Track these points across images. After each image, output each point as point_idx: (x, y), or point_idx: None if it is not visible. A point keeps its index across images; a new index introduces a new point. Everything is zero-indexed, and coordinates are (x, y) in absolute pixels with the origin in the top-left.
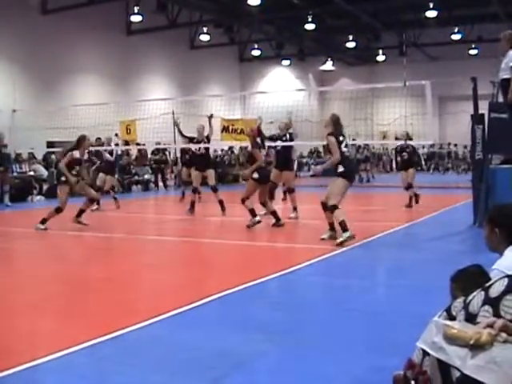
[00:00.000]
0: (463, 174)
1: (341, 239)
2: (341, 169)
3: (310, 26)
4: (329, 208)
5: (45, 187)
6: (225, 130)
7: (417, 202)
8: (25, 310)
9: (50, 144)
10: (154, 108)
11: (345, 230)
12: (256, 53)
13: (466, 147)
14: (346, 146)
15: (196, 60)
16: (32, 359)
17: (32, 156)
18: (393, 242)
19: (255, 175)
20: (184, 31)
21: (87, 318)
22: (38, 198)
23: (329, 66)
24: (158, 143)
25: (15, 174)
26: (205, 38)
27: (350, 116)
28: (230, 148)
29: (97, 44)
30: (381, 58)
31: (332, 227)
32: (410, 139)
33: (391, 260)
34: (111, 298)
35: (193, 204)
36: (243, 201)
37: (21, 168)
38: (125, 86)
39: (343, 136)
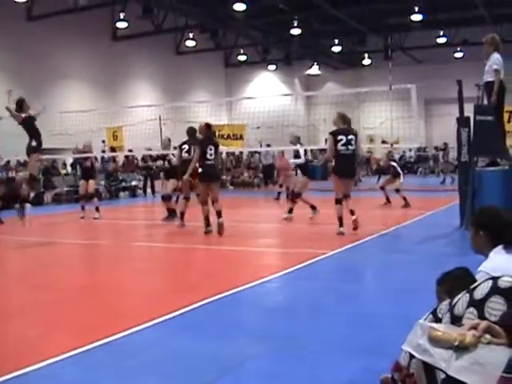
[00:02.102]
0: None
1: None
2: (333, 164)
3: (295, 31)
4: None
5: (32, 194)
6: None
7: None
8: (12, 317)
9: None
10: (141, 114)
11: (340, 224)
12: (242, 58)
13: (441, 149)
14: (346, 144)
15: (182, 65)
16: (20, 367)
17: (19, 163)
18: (380, 244)
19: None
20: (170, 37)
21: (76, 325)
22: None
23: (315, 70)
24: (149, 149)
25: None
26: (190, 43)
27: None
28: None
29: (83, 50)
30: (367, 61)
31: (340, 222)
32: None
33: (379, 263)
34: (100, 305)
35: (173, 211)
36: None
37: (8, 175)
38: (111, 91)
39: (344, 135)
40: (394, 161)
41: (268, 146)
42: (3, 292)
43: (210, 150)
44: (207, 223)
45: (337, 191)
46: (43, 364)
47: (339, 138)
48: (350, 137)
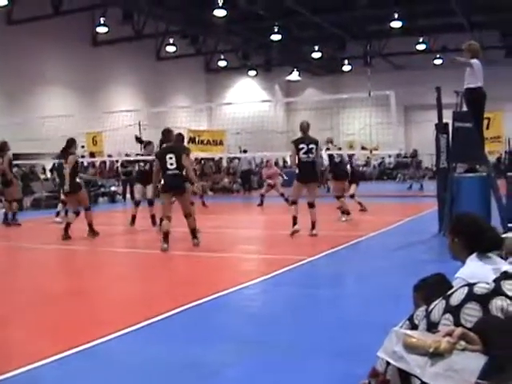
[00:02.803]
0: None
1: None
2: (297, 171)
3: (276, 37)
4: (290, 203)
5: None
6: (191, 141)
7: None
8: None
9: (16, 156)
10: (121, 119)
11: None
12: (222, 63)
13: (411, 156)
14: (307, 152)
15: (162, 71)
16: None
17: None
18: (358, 251)
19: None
20: (150, 42)
21: (56, 331)
22: (3, 211)
23: (295, 76)
24: (128, 155)
25: None
26: (171, 48)
27: (316, 126)
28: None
29: (63, 55)
30: (346, 67)
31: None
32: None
33: (356, 269)
34: (79, 311)
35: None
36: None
37: None
38: (91, 97)
39: (305, 144)
40: (352, 166)
41: (245, 151)
42: None
43: (170, 158)
44: (165, 240)
45: (295, 195)
46: (22, 370)
47: (300, 146)
48: (310, 146)
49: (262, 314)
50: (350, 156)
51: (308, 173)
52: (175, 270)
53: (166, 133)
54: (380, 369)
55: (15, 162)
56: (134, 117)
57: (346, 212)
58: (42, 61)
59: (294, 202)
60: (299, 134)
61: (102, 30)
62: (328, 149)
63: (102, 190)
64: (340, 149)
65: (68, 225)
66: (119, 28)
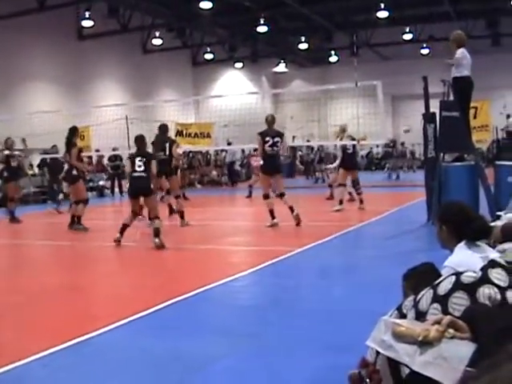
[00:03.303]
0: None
1: (268, 224)
2: (262, 163)
3: (262, 29)
4: (263, 198)
5: None
6: (179, 133)
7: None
8: None
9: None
10: (108, 114)
11: (272, 217)
12: (209, 56)
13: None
14: (272, 145)
15: (149, 64)
16: None
17: None
18: (347, 241)
19: None
20: (136, 35)
21: (42, 328)
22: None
23: (282, 67)
24: (115, 149)
25: None
26: (157, 42)
27: (304, 117)
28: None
29: (48, 50)
30: (333, 58)
31: (272, 214)
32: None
33: (346, 259)
34: (68, 306)
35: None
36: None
37: None
38: (78, 91)
39: (271, 137)
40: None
41: (229, 144)
42: None
43: (140, 161)
44: (122, 232)
45: (265, 188)
46: (10, 367)
47: (267, 139)
48: (276, 139)
49: (250, 306)
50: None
51: (273, 165)
52: (164, 264)
53: (138, 139)
54: (370, 359)
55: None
56: (122, 111)
57: (341, 201)
58: (28, 56)
59: (267, 196)
60: (287, 126)
61: (87, 23)
62: (341, 139)
63: (91, 184)
64: (354, 139)
65: (79, 218)
66: (105, 22)
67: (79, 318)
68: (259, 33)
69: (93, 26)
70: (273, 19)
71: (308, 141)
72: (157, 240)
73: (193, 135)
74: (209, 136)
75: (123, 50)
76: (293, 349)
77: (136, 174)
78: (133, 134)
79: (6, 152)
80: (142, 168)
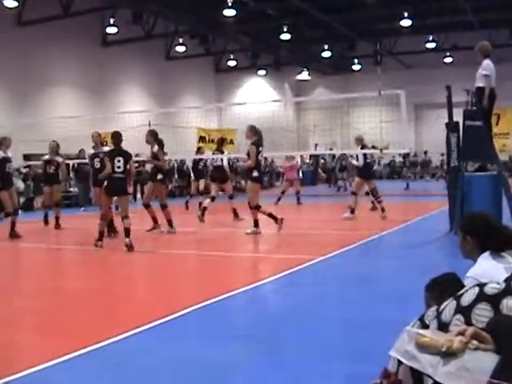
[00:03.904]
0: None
1: (248, 231)
2: (255, 174)
3: (285, 36)
4: (253, 208)
5: (21, 200)
6: (202, 139)
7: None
8: (1, 322)
9: (27, 157)
10: (131, 120)
11: (256, 225)
12: (232, 63)
13: (442, 154)
14: (261, 155)
15: (172, 71)
16: (10, 373)
17: None
18: (369, 250)
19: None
20: (160, 42)
21: (67, 332)
22: None
23: (305, 75)
24: (138, 155)
25: None
26: (180, 48)
27: (326, 125)
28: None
29: (72, 56)
30: (356, 67)
31: (256, 223)
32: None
33: (367, 268)
34: (91, 311)
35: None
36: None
37: None
38: (101, 97)
39: (262, 146)
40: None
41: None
42: None
43: (119, 161)
44: (101, 238)
45: (257, 197)
46: (33, 370)
47: (260, 149)
48: (260, 148)
49: (273, 314)
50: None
51: (263, 176)
52: (189, 270)
53: (117, 136)
54: (392, 369)
55: (28, 163)
56: (144, 117)
57: (352, 210)
58: (52, 61)
59: (259, 207)
60: (310, 133)
61: (111, 30)
62: (363, 147)
63: None
64: (373, 147)
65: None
66: (129, 28)
67: (102, 322)
68: (282, 40)
69: (117, 32)
70: (296, 27)
71: (331, 149)
72: (127, 240)
73: (215, 141)
74: (232, 142)
75: (147, 57)
76: (315, 358)
77: (115, 175)
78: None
79: (59, 159)
80: (122, 169)
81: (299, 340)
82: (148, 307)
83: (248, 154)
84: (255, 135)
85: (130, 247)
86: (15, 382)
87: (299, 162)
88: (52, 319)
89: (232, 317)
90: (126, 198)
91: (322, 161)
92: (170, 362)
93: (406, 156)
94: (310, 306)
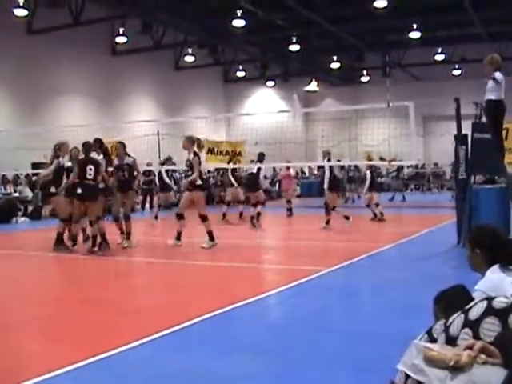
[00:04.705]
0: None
1: (205, 245)
2: (199, 183)
3: (294, 47)
4: (202, 219)
5: (30, 208)
6: (210, 151)
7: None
8: (9, 330)
9: (35, 165)
10: (140, 129)
11: (211, 238)
12: (240, 74)
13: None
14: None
15: (181, 81)
16: (17, 382)
17: (17, 177)
18: (376, 262)
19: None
20: (169, 52)
21: (72, 340)
22: (23, 219)
23: (313, 86)
24: (149, 164)
25: (0, 195)
26: (189, 58)
27: (335, 137)
28: (217, 170)
29: (82, 64)
30: (365, 78)
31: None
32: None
33: (374, 280)
34: (96, 320)
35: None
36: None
37: (5, 189)
38: (110, 106)
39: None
40: (372, 176)
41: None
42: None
43: (90, 169)
44: (74, 241)
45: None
46: (38, 379)
47: (201, 159)
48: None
49: (279, 325)
50: (371, 166)
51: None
52: (194, 280)
53: (87, 146)
54: (399, 382)
55: (35, 171)
56: (153, 126)
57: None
58: (62, 70)
59: (207, 218)
60: (319, 144)
61: (121, 39)
62: (329, 160)
63: None
64: (381, 159)
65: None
66: (138, 38)
67: (107, 332)
68: (291, 51)
69: (126, 41)
70: (304, 38)
71: (338, 160)
72: (93, 247)
73: (224, 153)
74: (240, 154)
75: (156, 67)
76: (320, 369)
77: (87, 182)
78: (164, 149)
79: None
80: (92, 176)
81: (306, 351)
82: (154, 317)
83: (191, 167)
84: (193, 147)
85: (91, 252)
86: None
87: (293, 173)
88: (61, 327)
89: (239, 328)
90: (96, 203)
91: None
92: (175, 373)
93: (398, 170)
94: (317, 318)
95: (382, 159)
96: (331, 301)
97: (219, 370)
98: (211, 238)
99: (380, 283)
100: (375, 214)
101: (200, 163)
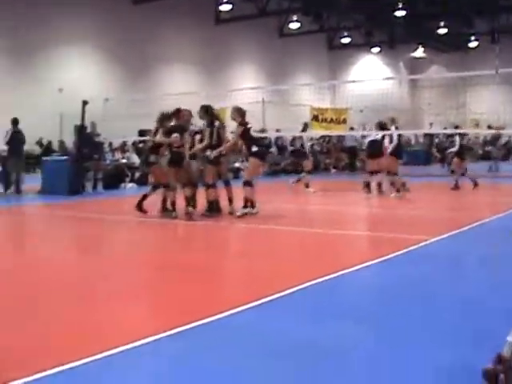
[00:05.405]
0: None
1: (238, 213)
2: (254, 149)
3: (400, 13)
4: (243, 183)
5: (137, 174)
6: (314, 118)
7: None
8: (112, 296)
9: (142, 132)
10: (244, 96)
11: (245, 206)
12: (345, 40)
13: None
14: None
15: (285, 48)
16: (119, 344)
17: (124, 144)
18: (483, 233)
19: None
20: (273, 19)
21: (175, 305)
22: (131, 185)
23: (420, 52)
24: (263, 130)
25: (108, 161)
26: (294, 25)
27: (441, 104)
28: (323, 137)
29: (185, 33)
30: (473, 44)
31: (251, 204)
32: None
33: (481, 252)
34: (200, 286)
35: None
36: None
37: (113, 156)
38: (213, 74)
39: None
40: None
41: (351, 128)
42: (103, 272)
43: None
44: (173, 208)
45: (255, 174)
46: (150, 339)
47: (249, 126)
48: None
49: (384, 294)
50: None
51: (265, 151)
52: (294, 247)
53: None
54: (506, 355)
55: (141, 138)
56: (257, 94)
57: (397, 190)
58: (165, 39)
59: (249, 183)
60: (425, 111)
61: (225, 7)
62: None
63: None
64: (489, 127)
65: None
66: (242, 5)
67: (210, 298)
68: (397, 17)
69: (230, 9)
70: (411, 3)
71: (445, 128)
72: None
73: (328, 120)
74: (344, 121)
75: (260, 34)
76: (425, 340)
77: (175, 150)
78: (268, 116)
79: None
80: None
81: (413, 322)
82: (255, 285)
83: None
84: (239, 116)
85: (187, 216)
86: (129, 352)
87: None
88: (161, 294)
89: (345, 295)
90: (184, 168)
91: (437, 140)
92: (280, 339)
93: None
94: (420, 289)
95: (489, 127)
96: (440, 271)
97: (319, 339)
98: (246, 205)
99: (487, 255)
100: (456, 183)
101: (249, 130)
